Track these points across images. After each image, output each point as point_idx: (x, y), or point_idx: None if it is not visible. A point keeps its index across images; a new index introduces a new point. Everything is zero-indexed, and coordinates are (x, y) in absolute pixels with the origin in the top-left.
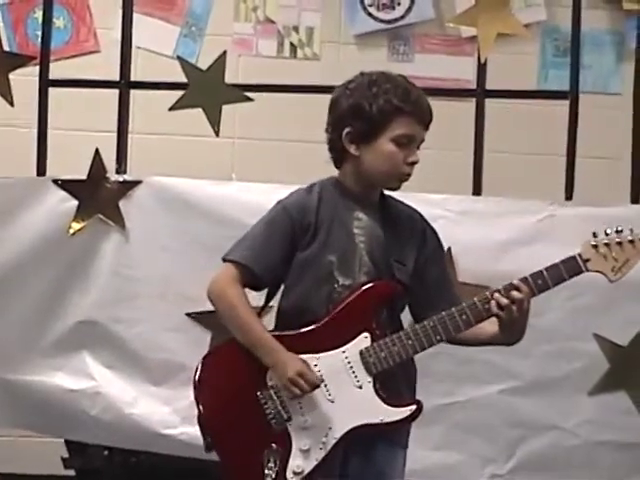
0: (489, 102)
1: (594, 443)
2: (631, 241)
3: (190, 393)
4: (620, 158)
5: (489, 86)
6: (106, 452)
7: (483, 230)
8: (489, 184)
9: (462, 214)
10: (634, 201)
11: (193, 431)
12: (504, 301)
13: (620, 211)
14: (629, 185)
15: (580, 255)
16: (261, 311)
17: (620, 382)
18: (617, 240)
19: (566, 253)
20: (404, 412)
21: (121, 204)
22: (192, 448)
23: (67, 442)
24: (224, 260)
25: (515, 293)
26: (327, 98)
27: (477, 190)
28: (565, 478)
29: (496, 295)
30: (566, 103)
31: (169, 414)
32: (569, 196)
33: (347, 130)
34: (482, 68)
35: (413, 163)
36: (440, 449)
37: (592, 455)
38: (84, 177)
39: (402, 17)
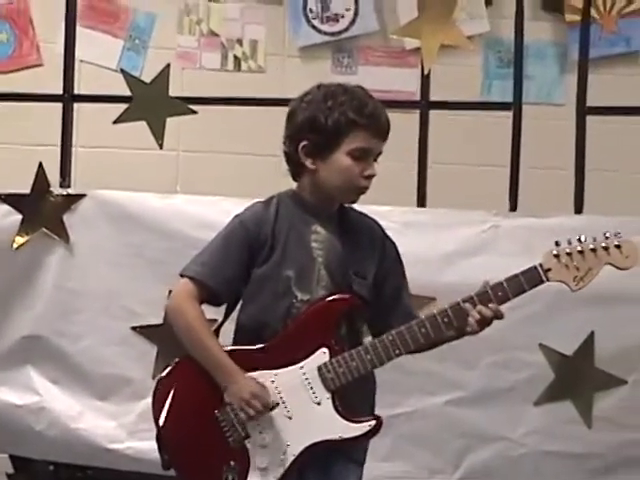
0: (433, 114)
1: (540, 453)
2: (593, 249)
3: (136, 407)
4: (563, 168)
5: (433, 97)
6: (51, 467)
7: (428, 241)
8: (434, 195)
9: (406, 225)
10: (578, 211)
11: (139, 445)
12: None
13: (564, 221)
14: (572, 195)
15: (541, 265)
16: (219, 327)
17: (566, 392)
18: (579, 249)
19: (510, 263)
20: (363, 428)
21: (65, 218)
22: (138, 462)
23: (12, 457)
24: (181, 276)
25: (484, 309)
26: (272, 110)
27: (421, 201)
28: None
29: (468, 306)
30: (510, 114)
31: (114, 429)
32: (513, 207)
33: (303, 144)
34: (426, 79)
35: (370, 176)
36: (387, 460)
37: (538, 465)
38: (28, 191)
39: (346, 29)
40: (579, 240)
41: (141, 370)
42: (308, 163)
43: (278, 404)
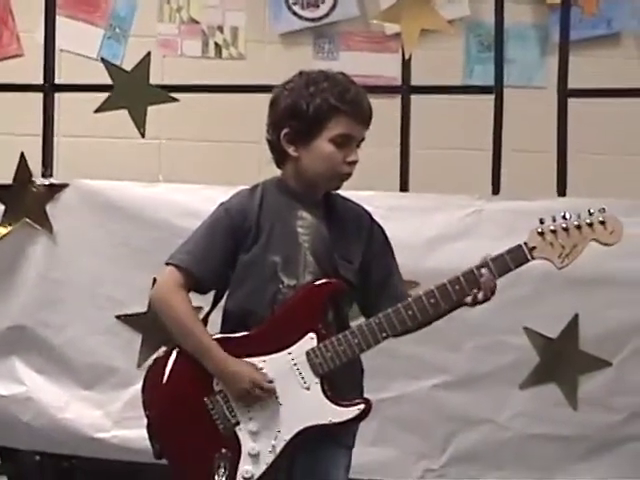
0: (415, 98)
1: (526, 436)
2: (578, 226)
3: (122, 396)
4: (546, 151)
5: (415, 82)
6: (37, 457)
7: (411, 226)
8: (416, 180)
9: (390, 210)
10: (561, 194)
11: (125, 434)
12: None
13: (547, 204)
14: (555, 178)
15: (526, 243)
16: (207, 315)
17: (550, 375)
18: (563, 226)
19: (494, 247)
20: (353, 411)
21: (48, 208)
22: (124, 451)
23: None
24: (167, 264)
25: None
26: (253, 97)
27: (404, 186)
28: (498, 471)
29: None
30: (492, 98)
31: (100, 418)
32: (496, 190)
33: (285, 131)
34: (407, 64)
35: (353, 163)
36: (374, 445)
37: (524, 447)
38: (10, 182)
39: (326, 15)
40: (563, 217)
41: (126, 359)
42: (291, 150)
43: (272, 381)
